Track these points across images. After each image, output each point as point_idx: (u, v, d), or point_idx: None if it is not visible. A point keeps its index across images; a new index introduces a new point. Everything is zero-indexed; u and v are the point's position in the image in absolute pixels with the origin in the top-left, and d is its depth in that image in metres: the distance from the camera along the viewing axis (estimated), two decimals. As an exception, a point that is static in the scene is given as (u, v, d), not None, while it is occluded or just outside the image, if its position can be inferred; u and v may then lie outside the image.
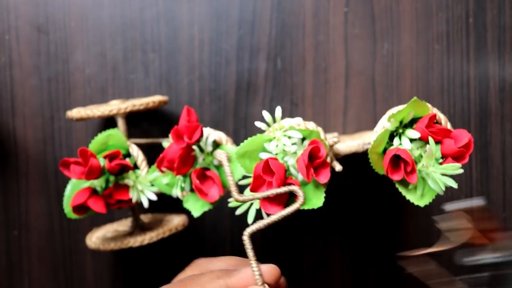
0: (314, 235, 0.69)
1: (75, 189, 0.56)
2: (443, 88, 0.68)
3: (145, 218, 0.67)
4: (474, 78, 0.68)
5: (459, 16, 0.68)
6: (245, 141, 0.49)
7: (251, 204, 0.51)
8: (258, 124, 0.49)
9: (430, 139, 0.46)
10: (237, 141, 0.67)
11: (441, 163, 0.47)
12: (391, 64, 0.68)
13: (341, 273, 0.70)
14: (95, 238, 0.63)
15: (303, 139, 0.50)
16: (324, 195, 0.52)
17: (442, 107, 0.68)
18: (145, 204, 0.56)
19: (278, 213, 0.46)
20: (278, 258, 0.69)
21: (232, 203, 0.49)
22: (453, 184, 0.46)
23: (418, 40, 0.68)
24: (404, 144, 0.48)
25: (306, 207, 0.52)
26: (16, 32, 0.68)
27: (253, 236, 0.45)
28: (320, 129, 0.50)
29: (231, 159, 0.49)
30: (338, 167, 0.50)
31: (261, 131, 0.50)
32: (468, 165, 0.69)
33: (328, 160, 0.50)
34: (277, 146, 0.49)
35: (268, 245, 0.69)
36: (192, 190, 0.54)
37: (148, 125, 0.68)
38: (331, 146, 0.51)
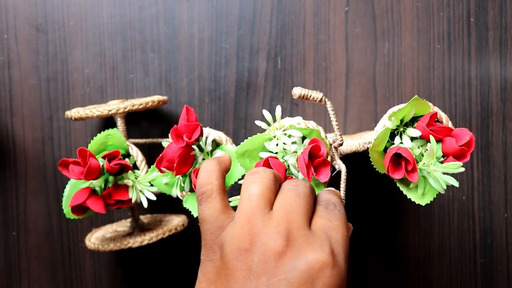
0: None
1: (74, 189, 0.56)
2: (444, 88, 0.68)
3: (144, 218, 0.67)
4: (475, 77, 0.68)
5: (460, 15, 0.68)
6: (245, 140, 0.49)
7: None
8: (258, 123, 0.49)
9: (431, 138, 0.46)
10: (237, 141, 0.67)
11: (442, 162, 0.47)
12: (392, 63, 0.68)
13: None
14: (94, 239, 0.62)
15: (304, 138, 0.49)
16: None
17: (444, 107, 0.68)
18: (145, 204, 0.56)
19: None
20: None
21: (232, 202, 0.49)
22: (454, 183, 0.46)
23: (419, 39, 0.68)
24: (405, 142, 0.48)
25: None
26: (15, 32, 0.67)
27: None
28: (320, 128, 0.50)
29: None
30: (343, 169, 0.50)
31: (261, 131, 0.50)
32: (469, 165, 0.68)
33: (329, 159, 0.49)
34: (277, 145, 0.48)
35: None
36: (191, 190, 0.53)
37: (147, 125, 0.68)
38: (331, 145, 0.51)
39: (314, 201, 0.42)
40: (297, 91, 0.48)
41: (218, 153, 0.50)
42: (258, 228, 0.38)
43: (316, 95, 0.48)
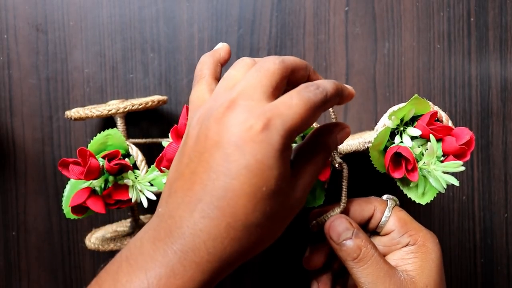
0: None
1: (74, 189, 0.56)
2: (445, 88, 0.68)
3: (144, 218, 0.67)
4: (475, 77, 0.68)
5: (460, 15, 0.68)
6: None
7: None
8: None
9: (431, 137, 0.46)
10: (237, 141, 0.66)
11: (442, 161, 0.47)
12: (392, 63, 0.68)
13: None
14: (94, 239, 0.62)
15: (303, 137, 0.49)
16: (324, 193, 0.51)
17: (444, 107, 0.68)
18: (145, 204, 0.55)
19: None
20: (279, 257, 0.69)
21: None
22: (455, 182, 0.46)
23: (419, 39, 0.68)
24: (405, 142, 0.48)
25: (306, 206, 0.51)
26: (15, 31, 0.67)
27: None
28: (320, 127, 0.50)
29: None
30: (344, 167, 0.50)
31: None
32: (469, 165, 0.68)
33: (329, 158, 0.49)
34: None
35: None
36: (191, 190, 0.53)
37: (147, 124, 0.68)
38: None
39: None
40: None
41: (218, 44, 0.50)
42: (216, 100, 0.39)
43: None
